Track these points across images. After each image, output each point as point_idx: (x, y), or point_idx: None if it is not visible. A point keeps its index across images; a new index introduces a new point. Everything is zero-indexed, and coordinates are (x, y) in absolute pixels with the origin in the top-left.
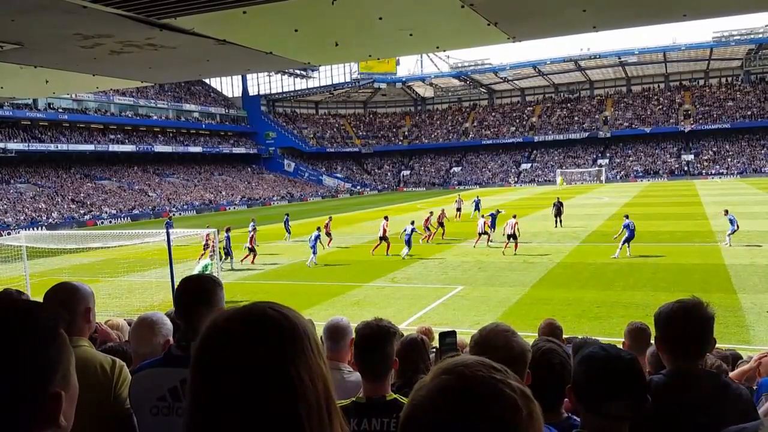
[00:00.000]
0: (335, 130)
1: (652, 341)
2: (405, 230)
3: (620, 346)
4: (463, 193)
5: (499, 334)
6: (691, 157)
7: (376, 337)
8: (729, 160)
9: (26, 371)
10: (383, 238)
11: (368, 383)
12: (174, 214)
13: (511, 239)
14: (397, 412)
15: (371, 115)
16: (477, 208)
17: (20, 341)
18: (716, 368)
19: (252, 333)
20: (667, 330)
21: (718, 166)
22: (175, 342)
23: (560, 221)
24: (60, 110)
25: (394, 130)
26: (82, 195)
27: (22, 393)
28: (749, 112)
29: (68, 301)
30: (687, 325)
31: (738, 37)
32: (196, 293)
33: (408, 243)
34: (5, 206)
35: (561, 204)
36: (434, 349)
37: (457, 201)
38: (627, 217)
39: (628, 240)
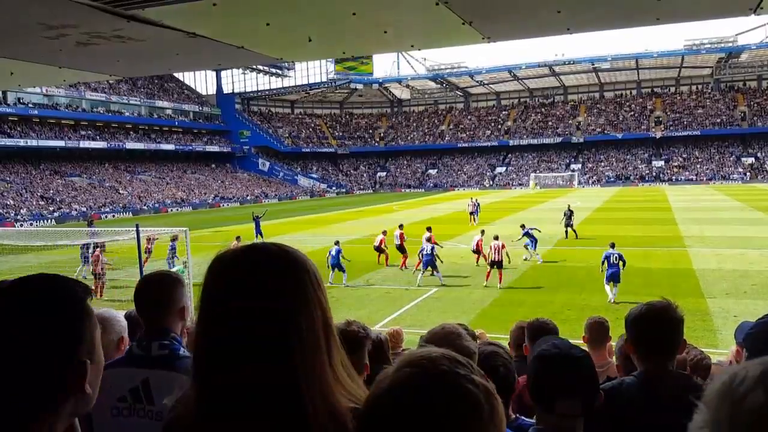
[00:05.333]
0: (311, 130)
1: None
2: (423, 249)
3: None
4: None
5: (445, 337)
6: (661, 163)
7: (344, 343)
8: (698, 166)
9: (54, 340)
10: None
11: None
12: (106, 216)
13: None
14: None
15: (347, 116)
16: (476, 211)
17: (48, 310)
18: (697, 361)
19: (253, 262)
20: (637, 332)
21: (687, 173)
22: (135, 342)
23: (572, 231)
24: (30, 105)
25: (371, 131)
26: (51, 192)
27: (50, 361)
28: (718, 120)
29: None
30: (657, 326)
31: (708, 46)
32: (156, 292)
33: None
34: None
35: (572, 212)
36: (400, 351)
37: (470, 204)
38: (612, 246)
39: (611, 278)
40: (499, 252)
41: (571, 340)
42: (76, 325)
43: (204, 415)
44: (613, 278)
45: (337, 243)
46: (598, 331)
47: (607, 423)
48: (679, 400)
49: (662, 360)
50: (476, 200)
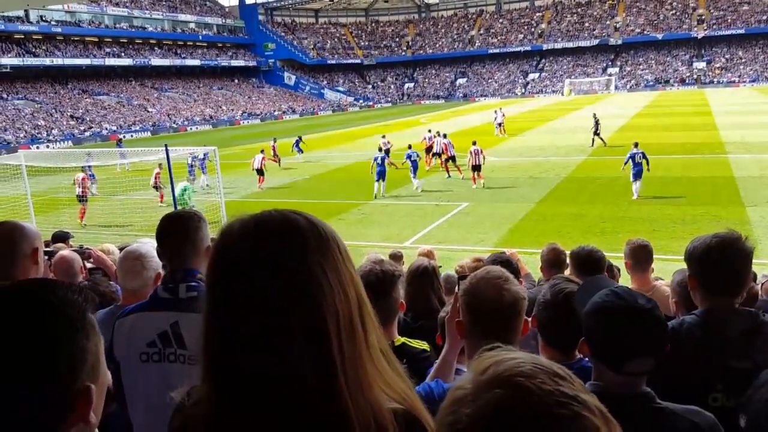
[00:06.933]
0: (336, 40)
1: (662, 273)
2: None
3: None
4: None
5: (490, 282)
6: (702, 64)
7: (381, 284)
8: (741, 67)
9: (52, 365)
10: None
11: None
12: (125, 136)
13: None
14: (406, 357)
15: (373, 24)
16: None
17: (40, 332)
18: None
19: (272, 235)
20: (703, 267)
21: (729, 74)
22: (161, 284)
23: (599, 139)
24: (53, 23)
25: (397, 39)
26: (80, 111)
27: (47, 391)
28: (764, 17)
29: (13, 242)
30: (726, 262)
31: None
32: (179, 232)
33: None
34: (5, 123)
35: (598, 121)
36: (441, 273)
37: (498, 114)
38: (636, 145)
39: (636, 176)
40: (477, 156)
41: (609, 255)
42: (78, 344)
43: (225, 419)
44: (638, 176)
45: (380, 150)
46: (642, 254)
47: (667, 368)
48: (745, 341)
49: (729, 298)
50: (502, 111)
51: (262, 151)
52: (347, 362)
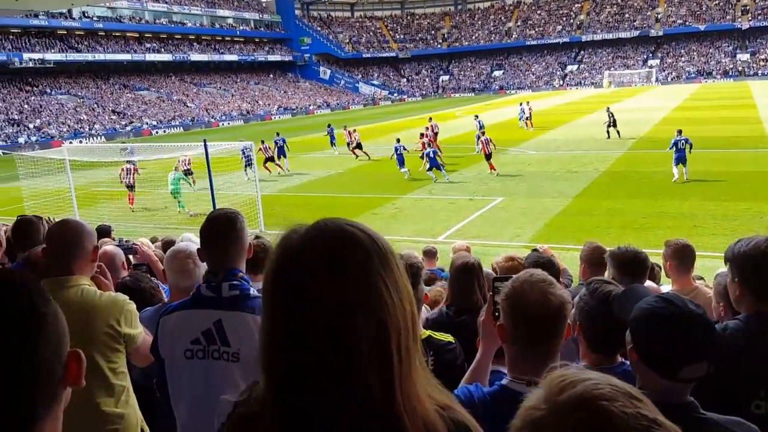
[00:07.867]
0: (371, 33)
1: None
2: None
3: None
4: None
5: (534, 285)
6: (746, 56)
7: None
8: None
9: (41, 348)
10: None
11: None
12: (157, 132)
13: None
14: (432, 350)
15: (409, 17)
16: (521, 118)
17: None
18: None
19: (332, 249)
20: (751, 270)
21: None
22: (204, 282)
23: (608, 132)
24: (95, 18)
25: (433, 32)
26: (122, 106)
27: (46, 361)
28: None
29: (80, 239)
30: None
31: None
32: (224, 232)
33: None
34: (48, 118)
35: (612, 114)
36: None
37: (526, 108)
38: (680, 132)
39: (679, 161)
40: (488, 145)
41: (649, 251)
42: (54, 320)
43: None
44: (681, 161)
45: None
46: (686, 255)
47: (710, 375)
48: None
49: None
50: (529, 104)
51: (262, 141)
52: (403, 376)
